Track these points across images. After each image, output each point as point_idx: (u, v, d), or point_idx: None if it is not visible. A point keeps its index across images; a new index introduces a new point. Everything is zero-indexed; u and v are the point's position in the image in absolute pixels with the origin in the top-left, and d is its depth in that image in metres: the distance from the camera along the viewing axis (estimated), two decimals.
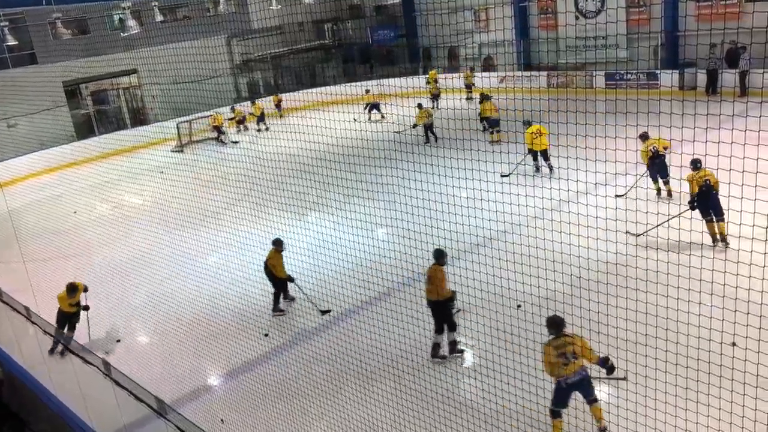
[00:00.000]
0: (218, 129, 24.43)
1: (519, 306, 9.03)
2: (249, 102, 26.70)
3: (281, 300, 10.48)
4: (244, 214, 13.44)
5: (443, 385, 7.81)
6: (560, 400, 6.61)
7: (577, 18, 24.91)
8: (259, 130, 24.48)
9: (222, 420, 7.77)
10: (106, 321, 10.75)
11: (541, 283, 8.99)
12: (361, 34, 32.64)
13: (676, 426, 6.07)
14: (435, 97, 24.56)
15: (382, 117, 23.96)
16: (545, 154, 14.54)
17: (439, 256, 8.56)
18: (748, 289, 5.77)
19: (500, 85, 25.18)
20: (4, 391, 9.40)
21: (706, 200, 9.99)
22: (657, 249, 6.68)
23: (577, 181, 7.48)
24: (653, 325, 6.54)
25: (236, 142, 23.27)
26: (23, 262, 11.97)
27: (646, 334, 6.65)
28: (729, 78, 19.76)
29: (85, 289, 10.30)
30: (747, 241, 6.51)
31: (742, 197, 6.05)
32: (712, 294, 6.76)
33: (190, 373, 8.83)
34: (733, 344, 6.27)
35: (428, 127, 19.88)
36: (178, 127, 24.19)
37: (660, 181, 12.26)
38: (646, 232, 9.52)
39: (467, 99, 24.10)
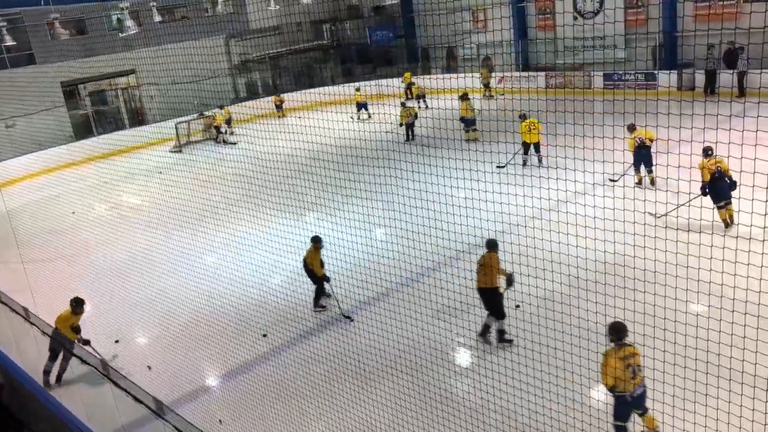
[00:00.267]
0: (218, 129, 24.44)
1: (517, 306, 9.03)
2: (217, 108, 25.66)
3: (322, 296, 10.36)
4: (243, 214, 13.45)
5: (442, 385, 7.81)
6: (626, 415, 6.24)
7: (575, 18, 24.92)
8: (221, 137, 24.44)
9: (220, 420, 7.77)
10: (105, 322, 10.74)
11: (539, 283, 8.99)
12: (359, 34, 32.65)
13: (674, 426, 6.07)
14: (420, 97, 24.82)
15: (369, 116, 24.36)
16: (537, 147, 15.23)
17: (494, 244, 8.76)
18: (746, 289, 5.78)
19: (499, 85, 25.23)
20: (4, 396, 9.36)
21: (720, 186, 10.45)
22: (655, 249, 6.68)
23: (575, 181, 7.49)
24: (651, 325, 6.54)
25: (234, 143, 23.30)
26: (22, 263, 11.96)
27: (644, 335, 6.65)
28: (727, 78, 19.79)
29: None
30: (745, 240, 6.52)
31: (739, 197, 6.06)
32: (710, 294, 6.78)
33: (188, 374, 8.82)
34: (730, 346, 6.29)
35: (409, 126, 20.43)
36: (176, 128, 24.19)
37: (644, 170, 12.91)
38: (667, 213, 9.89)
39: (486, 98, 24.44)
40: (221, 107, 25.25)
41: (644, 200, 6.66)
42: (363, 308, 10.00)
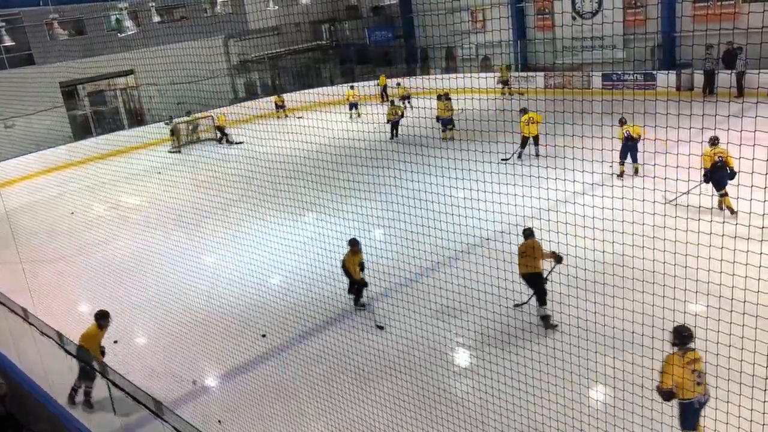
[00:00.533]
0: (221, 129, 24.42)
1: (517, 305, 9.05)
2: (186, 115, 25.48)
3: (362, 297, 10.18)
4: (242, 214, 13.45)
5: (440, 385, 7.81)
6: (695, 422, 6.01)
7: (574, 19, 24.94)
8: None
9: (219, 421, 7.77)
10: None
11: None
12: (358, 34, 32.67)
13: (672, 426, 6.09)
14: (405, 98, 25.05)
15: (359, 115, 25.10)
16: (536, 140, 16.08)
17: (531, 231, 9.15)
18: (744, 289, 5.78)
19: (497, 86, 25.24)
20: (8, 403, 9.29)
21: (720, 174, 11.04)
22: (653, 249, 6.69)
23: (574, 181, 7.50)
24: (650, 325, 6.54)
25: (241, 143, 23.24)
26: (20, 263, 11.95)
27: (642, 335, 6.66)
28: (726, 79, 19.81)
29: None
30: (743, 241, 6.53)
31: (738, 197, 6.07)
32: (708, 294, 6.79)
33: (187, 374, 8.82)
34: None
35: (394, 124, 21.22)
36: (175, 128, 24.19)
37: (629, 161, 13.89)
38: (676, 198, 10.59)
39: (504, 95, 24.62)
40: (188, 113, 24.97)
41: (643, 200, 6.66)
42: (362, 308, 10.01)
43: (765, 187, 6.15)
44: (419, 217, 8.73)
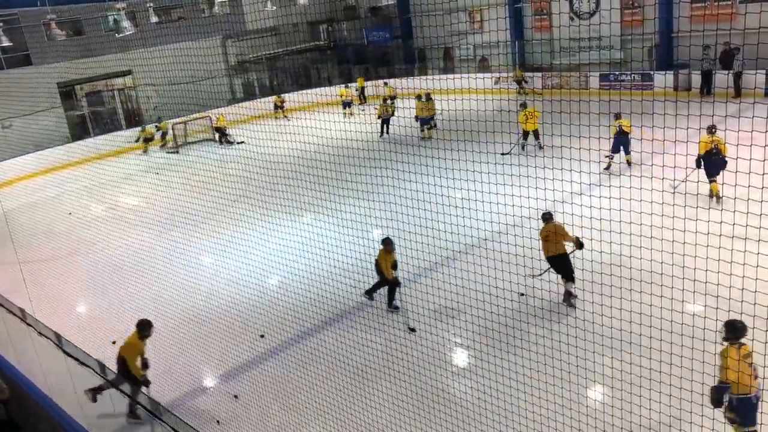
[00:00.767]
0: (220, 130, 24.38)
1: (522, 294, 9.07)
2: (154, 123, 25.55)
3: (394, 299, 9.99)
4: (240, 214, 13.45)
5: (439, 385, 7.82)
6: (754, 416, 5.84)
7: (571, 19, 24.96)
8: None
9: (218, 421, 7.77)
10: (101, 322, 10.73)
11: (535, 282, 9.03)
12: (356, 35, 32.67)
13: (670, 426, 6.10)
14: (392, 98, 25.12)
15: (351, 114, 25.89)
16: (536, 134, 16.90)
17: (551, 215, 9.37)
18: (741, 288, 5.80)
19: (495, 86, 25.26)
20: (10, 407, 9.24)
21: (713, 161, 11.54)
22: (651, 249, 6.71)
23: (572, 181, 7.51)
24: (647, 325, 6.57)
25: (241, 143, 23.23)
26: (18, 264, 11.95)
27: (641, 334, 6.68)
28: (723, 79, 19.86)
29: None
30: (740, 241, 6.54)
31: (735, 197, 6.09)
32: (706, 294, 6.80)
33: (185, 375, 8.82)
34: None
35: (385, 122, 21.95)
36: (173, 128, 24.17)
37: (622, 153, 14.35)
38: (681, 183, 11.26)
39: (519, 94, 24.59)
40: (159, 119, 24.91)
41: (640, 201, 6.68)
42: (360, 309, 10.01)
43: (762, 188, 6.18)
44: (417, 218, 8.73)
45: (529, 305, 9.16)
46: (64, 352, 8.15)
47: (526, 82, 25.30)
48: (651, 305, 6.67)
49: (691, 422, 6.04)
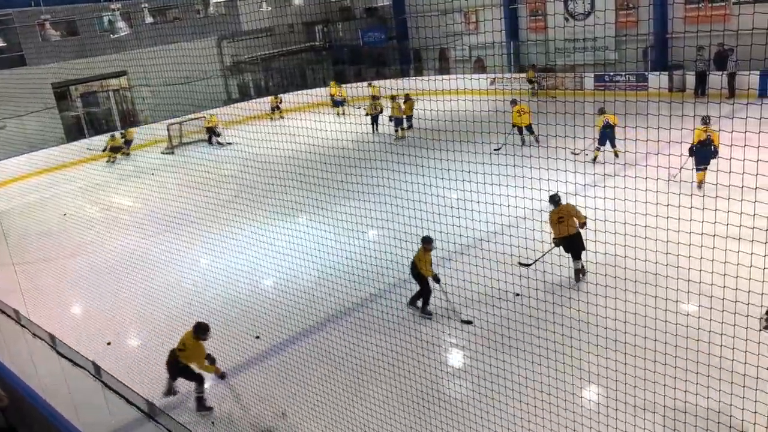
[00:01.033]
0: (211, 131, 24.37)
1: (517, 294, 9.09)
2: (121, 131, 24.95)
3: (428, 304, 9.75)
4: (235, 215, 13.42)
5: (433, 386, 7.83)
6: None
7: (566, 20, 25.02)
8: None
9: (213, 423, 7.76)
10: (96, 323, 10.71)
11: (530, 283, 9.04)
12: (351, 35, 32.68)
13: (665, 426, 6.12)
14: (375, 98, 25.30)
15: (343, 113, 26.15)
16: (529, 129, 17.58)
17: (559, 197, 9.69)
18: (735, 289, 5.82)
19: (491, 87, 25.30)
20: (9, 415, 9.19)
21: (704, 151, 12.19)
22: (645, 249, 6.72)
23: (566, 182, 7.52)
24: (642, 325, 6.58)
25: (231, 143, 23.28)
26: (12, 265, 11.90)
27: (635, 335, 6.69)
28: (717, 80, 19.93)
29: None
30: (734, 241, 6.57)
31: (729, 198, 6.11)
32: (700, 294, 6.82)
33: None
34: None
35: (374, 119, 22.70)
36: (168, 129, 24.12)
37: (608, 145, 14.62)
38: (680, 169, 12.06)
39: (532, 95, 24.43)
40: (123, 132, 24.41)
41: (635, 201, 6.70)
42: (357, 309, 9.99)
43: (755, 188, 6.20)
44: (413, 218, 8.73)
45: (524, 305, 9.17)
46: (58, 353, 8.14)
47: (538, 83, 25.06)
48: (645, 305, 6.68)
49: (685, 422, 6.05)
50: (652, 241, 6.70)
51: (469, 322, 9.06)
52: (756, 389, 5.83)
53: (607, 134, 14.73)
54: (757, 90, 19.36)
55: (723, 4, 20.86)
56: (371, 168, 11.46)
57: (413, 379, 7.90)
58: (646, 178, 7.09)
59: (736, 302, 5.85)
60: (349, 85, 28.37)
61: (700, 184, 12.50)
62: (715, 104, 14.72)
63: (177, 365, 7.96)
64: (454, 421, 6.97)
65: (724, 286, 6.00)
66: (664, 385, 6.20)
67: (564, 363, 7.30)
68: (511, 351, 7.33)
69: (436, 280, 9.49)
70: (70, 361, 7.94)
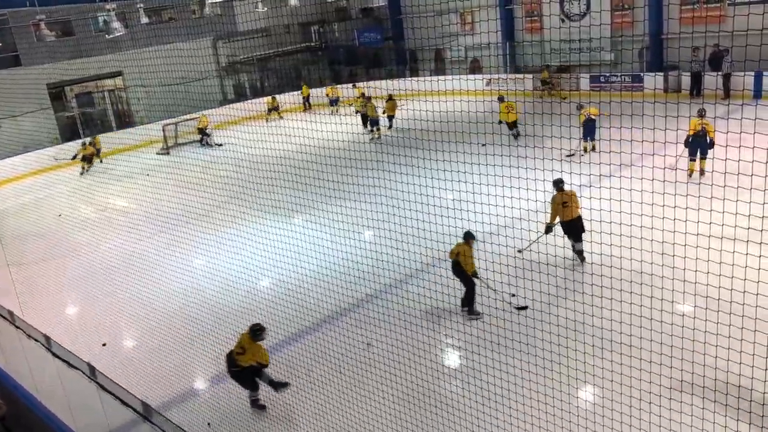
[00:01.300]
0: (202, 131, 24.34)
1: (513, 295, 9.09)
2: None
3: (474, 302, 9.48)
4: (231, 216, 13.41)
5: (429, 386, 7.82)
6: None
7: (562, 21, 25.04)
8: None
9: (209, 424, 7.74)
10: (91, 324, 10.68)
11: (526, 284, 9.04)
12: (347, 36, 32.67)
13: (660, 426, 6.12)
14: (363, 96, 25.55)
15: (336, 111, 26.99)
16: (514, 124, 18.19)
17: (563, 182, 9.88)
18: (730, 289, 5.83)
19: (486, 87, 25.31)
20: (8, 422, 9.14)
21: (698, 142, 12.80)
22: (641, 250, 6.74)
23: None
24: (638, 325, 6.59)
25: (220, 145, 23.30)
26: (7, 265, 11.88)
27: (631, 335, 6.70)
28: (712, 81, 19.98)
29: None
30: (729, 241, 6.58)
31: (724, 198, 6.12)
32: (695, 294, 6.84)
33: (176, 377, 8.78)
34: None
35: (364, 116, 22.96)
36: (163, 130, 24.08)
37: (589, 140, 15.44)
38: (676, 163, 12.42)
39: (545, 96, 24.19)
40: (92, 140, 23.39)
41: (630, 201, 6.71)
42: (353, 310, 9.99)
43: (750, 188, 6.22)
44: (408, 219, 8.73)
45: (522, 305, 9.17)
46: (54, 354, 8.11)
47: (552, 83, 24.76)
48: (641, 306, 6.70)
49: (680, 422, 6.06)
50: (648, 241, 6.72)
51: (524, 308, 8.89)
52: (751, 389, 5.85)
53: (589, 128, 15.39)
54: (752, 91, 19.41)
55: (718, 5, 20.91)
56: (367, 168, 11.46)
57: (409, 379, 7.90)
58: (641, 178, 7.10)
59: (731, 302, 5.87)
60: (343, 85, 28.75)
61: (691, 173, 13.05)
62: (710, 105, 14.78)
63: (236, 368, 7.75)
64: (451, 422, 6.96)
65: (719, 287, 6.02)
66: (660, 385, 6.21)
67: (560, 363, 7.31)
68: (507, 351, 7.33)
69: (475, 275, 9.31)
70: (66, 362, 7.90)
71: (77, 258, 13.81)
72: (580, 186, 10.55)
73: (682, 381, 6.11)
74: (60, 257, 13.96)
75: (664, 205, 6.56)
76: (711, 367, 5.99)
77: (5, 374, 9.22)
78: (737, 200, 6.10)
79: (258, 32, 27.86)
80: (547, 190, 10.01)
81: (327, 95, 28.12)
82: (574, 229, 10.11)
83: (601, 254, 8.60)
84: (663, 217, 6.51)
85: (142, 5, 23.61)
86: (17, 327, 8.62)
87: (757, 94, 19.32)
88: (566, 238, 10.37)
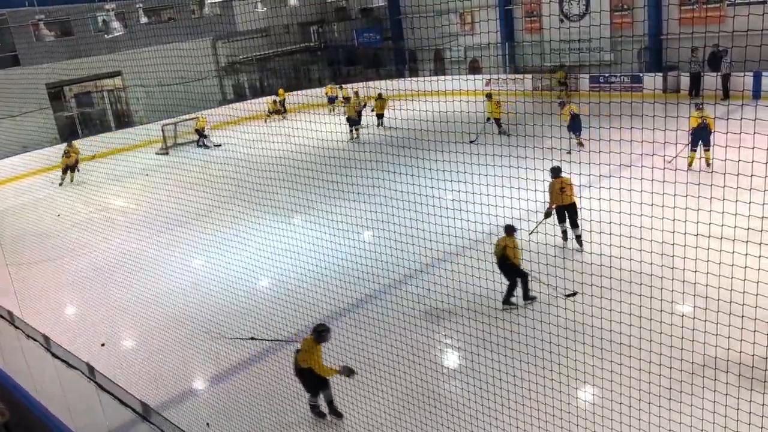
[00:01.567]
0: (200, 132, 24.32)
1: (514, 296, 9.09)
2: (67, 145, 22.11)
3: (514, 294, 9.48)
4: (230, 216, 13.41)
5: (429, 386, 7.82)
6: None
7: (561, 21, 25.03)
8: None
9: (208, 424, 7.73)
10: (90, 325, 10.67)
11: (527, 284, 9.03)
12: (346, 36, 32.67)
13: (660, 426, 6.12)
14: (347, 99, 25.95)
15: (333, 110, 27.35)
16: (498, 122, 19.10)
17: (560, 170, 10.43)
18: (730, 290, 5.83)
19: (486, 88, 25.30)
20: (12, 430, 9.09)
21: (700, 135, 13.35)
22: (641, 250, 6.74)
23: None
24: (638, 326, 6.59)
25: (219, 145, 23.29)
26: (6, 266, 11.86)
27: (630, 335, 6.70)
28: (711, 81, 19.98)
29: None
30: (729, 242, 6.58)
31: (723, 199, 6.12)
32: (695, 295, 6.84)
33: (175, 377, 8.77)
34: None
35: (359, 113, 23.50)
36: (162, 130, 24.07)
37: (578, 135, 15.87)
38: (675, 158, 12.18)
39: (561, 97, 23.82)
40: (71, 145, 21.66)
41: (630, 201, 6.70)
42: (352, 310, 9.98)
43: (749, 189, 6.22)
44: (408, 219, 8.73)
45: (520, 306, 9.17)
46: (53, 354, 8.10)
47: (568, 84, 24.45)
48: (641, 306, 6.70)
49: (680, 422, 6.06)
50: (648, 241, 6.71)
51: (574, 294, 8.94)
52: (751, 389, 5.85)
53: (576, 123, 15.92)
54: (751, 91, 19.41)
55: (717, 5, 20.92)
56: (366, 168, 11.45)
57: (409, 379, 7.89)
58: (641, 179, 7.10)
59: (731, 303, 5.86)
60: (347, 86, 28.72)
61: (692, 162, 13.54)
62: (709, 105, 14.79)
63: (295, 365, 7.50)
64: (450, 422, 6.96)
65: (719, 287, 6.01)
66: (659, 385, 6.21)
67: (560, 363, 7.31)
68: (507, 351, 7.32)
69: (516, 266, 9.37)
70: (65, 362, 7.89)
71: (76, 258, 13.80)
72: (580, 186, 10.56)
73: (681, 381, 6.11)
74: (59, 257, 13.95)
75: (663, 206, 6.55)
76: (711, 367, 5.99)
77: (4, 374, 9.20)
78: (737, 200, 6.10)
79: (257, 32, 27.85)
80: (546, 191, 10.01)
81: (326, 94, 28.35)
82: (571, 213, 10.66)
83: (601, 254, 8.59)
84: (663, 218, 6.50)
85: (141, 5, 23.58)
86: (16, 327, 8.61)
87: (756, 94, 19.32)
88: (557, 227, 10.94)
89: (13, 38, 24.53)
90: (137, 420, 6.29)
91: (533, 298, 9.39)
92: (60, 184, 20.94)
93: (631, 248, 6.80)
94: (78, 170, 21.33)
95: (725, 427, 5.76)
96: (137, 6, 23.42)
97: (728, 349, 5.80)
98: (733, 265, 6.18)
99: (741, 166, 6.07)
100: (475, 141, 15.30)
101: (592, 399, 7.02)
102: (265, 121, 25.66)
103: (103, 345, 10.05)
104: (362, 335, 8.68)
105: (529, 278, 9.34)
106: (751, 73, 19.09)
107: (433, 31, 27.53)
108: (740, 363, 5.82)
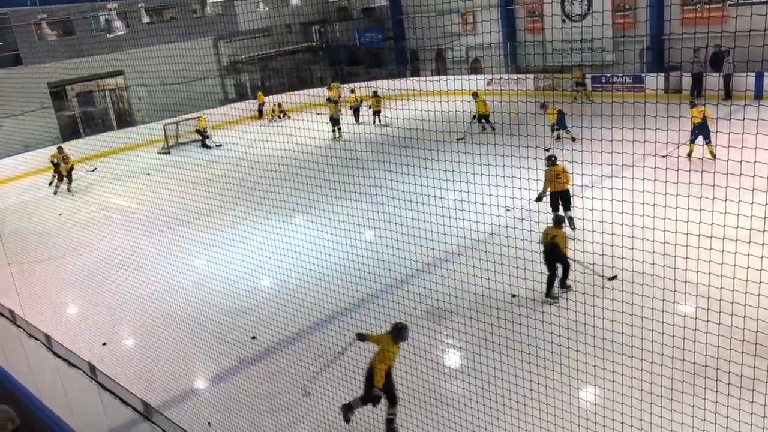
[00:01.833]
0: (201, 132, 24.33)
1: (514, 296, 9.08)
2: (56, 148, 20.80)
3: (555, 286, 9.51)
4: (231, 215, 13.41)
5: (430, 386, 7.82)
6: None
7: (563, 21, 25.02)
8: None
9: (209, 423, 7.74)
10: (92, 324, 10.67)
11: (527, 284, 9.04)
12: (348, 36, 32.68)
13: (661, 426, 6.12)
14: (352, 92, 26.37)
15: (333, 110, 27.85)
16: (486, 118, 19.60)
17: (555, 158, 11.15)
18: (732, 290, 5.82)
19: (488, 87, 25.29)
20: None
21: (700, 130, 14.03)
22: (642, 250, 6.73)
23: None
24: (639, 326, 6.58)
25: (219, 145, 23.31)
26: (8, 264, 11.87)
27: (632, 336, 6.69)
28: (713, 81, 19.96)
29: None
30: (731, 242, 6.57)
31: (725, 199, 6.11)
32: (697, 295, 6.83)
33: (176, 376, 8.78)
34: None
35: (356, 110, 24.66)
36: (164, 129, 24.09)
37: (563, 130, 16.87)
38: (674, 151, 12.86)
39: (576, 97, 23.47)
40: (60, 149, 20.69)
41: (632, 202, 6.70)
42: (352, 310, 9.98)
43: (752, 189, 6.21)
44: (410, 219, 8.73)
45: (521, 306, 9.17)
46: (54, 353, 8.11)
47: (585, 84, 23.92)
48: (642, 306, 6.69)
49: (682, 423, 6.05)
50: (648, 241, 6.70)
51: (614, 277, 8.89)
52: (752, 390, 5.84)
53: (561, 120, 16.85)
54: (753, 91, 19.40)
55: (720, 5, 20.90)
56: (368, 168, 11.44)
57: (410, 379, 7.89)
58: (642, 179, 7.09)
59: (732, 303, 5.86)
60: (344, 85, 28.84)
61: (691, 153, 14.28)
62: (711, 105, 14.78)
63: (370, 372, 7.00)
64: (451, 422, 6.96)
65: (721, 288, 6.01)
66: (661, 386, 6.20)
67: (561, 363, 7.30)
68: (508, 352, 7.32)
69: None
70: (66, 361, 7.90)
71: (78, 257, 13.81)
72: (582, 186, 10.55)
73: (683, 381, 6.10)
74: (61, 256, 13.96)
75: (665, 206, 6.54)
76: (712, 367, 5.98)
77: (6, 373, 9.21)
78: (739, 201, 6.09)
79: (259, 32, 27.85)
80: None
81: (332, 97, 28.10)
82: (564, 199, 11.27)
83: (603, 254, 8.59)
84: (665, 218, 6.50)
85: (143, 5, 23.60)
86: (18, 326, 8.62)
87: (758, 94, 19.31)
88: (549, 214, 11.13)
89: (15, 37, 24.55)
90: (138, 419, 6.30)
91: (569, 287, 9.40)
92: (54, 193, 19.92)
93: (633, 248, 6.80)
94: (72, 180, 20.15)
95: (727, 427, 5.76)
96: (139, 5, 23.44)
97: (730, 349, 5.79)
98: (735, 265, 6.18)
99: (743, 167, 6.06)
100: (463, 139, 16.18)
101: (594, 399, 7.01)
102: (269, 120, 25.74)
103: (104, 344, 10.06)
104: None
105: (571, 268, 9.40)
106: (753, 74, 19.07)
107: (435, 31, 27.52)
108: (742, 363, 5.81)
